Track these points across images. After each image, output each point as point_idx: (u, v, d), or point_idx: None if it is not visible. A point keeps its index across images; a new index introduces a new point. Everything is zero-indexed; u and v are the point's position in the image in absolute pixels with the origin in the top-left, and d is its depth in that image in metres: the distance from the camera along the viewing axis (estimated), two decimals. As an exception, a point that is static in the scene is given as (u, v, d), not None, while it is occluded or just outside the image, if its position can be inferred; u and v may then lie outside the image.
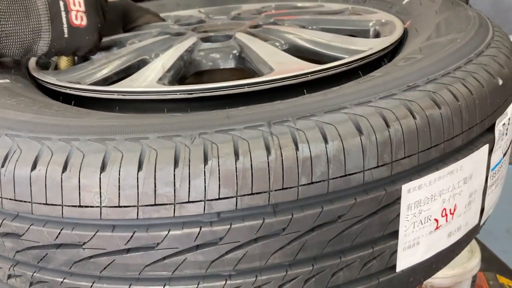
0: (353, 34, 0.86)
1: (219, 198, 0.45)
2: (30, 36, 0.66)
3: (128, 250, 0.48)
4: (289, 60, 0.66)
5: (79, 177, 0.46)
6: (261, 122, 0.47)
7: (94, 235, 0.48)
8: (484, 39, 0.63)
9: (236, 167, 0.44)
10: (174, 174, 0.44)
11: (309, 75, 0.60)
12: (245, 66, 0.71)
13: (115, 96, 0.61)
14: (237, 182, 0.45)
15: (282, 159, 0.45)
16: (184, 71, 0.69)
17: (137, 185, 0.45)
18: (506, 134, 0.61)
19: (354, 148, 0.46)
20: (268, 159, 0.45)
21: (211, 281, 0.49)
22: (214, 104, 0.61)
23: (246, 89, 0.59)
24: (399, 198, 0.50)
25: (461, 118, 0.52)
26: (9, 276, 0.55)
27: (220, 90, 0.59)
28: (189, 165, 0.45)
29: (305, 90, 0.57)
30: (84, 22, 0.70)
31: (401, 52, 0.70)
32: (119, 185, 0.45)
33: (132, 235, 0.47)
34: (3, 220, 0.51)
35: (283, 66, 0.63)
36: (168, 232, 0.46)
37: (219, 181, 0.45)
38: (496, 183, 0.63)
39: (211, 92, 0.59)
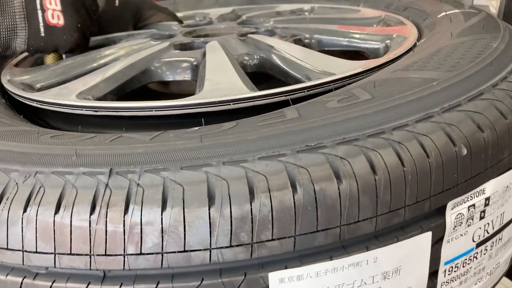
0: (361, 49, 0.73)
1: (37, 252, 0.39)
2: (5, 33, 0.66)
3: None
4: (226, 81, 0.56)
5: None
6: (104, 168, 0.39)
7: None
8: (475, 87, 0.47)
9: (54, 220, 0.38)
10: (-6, 216, 0.39)
11: (230, 103, 0.51)
12: (196, 79, 0.62)
13: (35, 104, 0.57)
14: (54, 239, 0.38)
15: (106, 221, 0.37)
16: (133, 81, 0.63)
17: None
18: (483, 217, 0.45)
19: (197, 219, 0.37)
20: (90, 217, 0.37)
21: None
22: (144, 124, 0.55)
23: (154, 112, 0.51)
24: (268, 287, 0.39)
25: (376, 197, 0.39)
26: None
27: (130, 110, 0.52)
28: (10, 208, 0.39)
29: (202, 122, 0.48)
30: (61, 22, 0.68)
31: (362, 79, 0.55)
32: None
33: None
34: None
35: (215, 87, 0.54)
36: (-5, 275, 0.42)
37: (36, 234, 0.38)
38: (466, 278, 0.47)
39: (118, 112, 0.52)
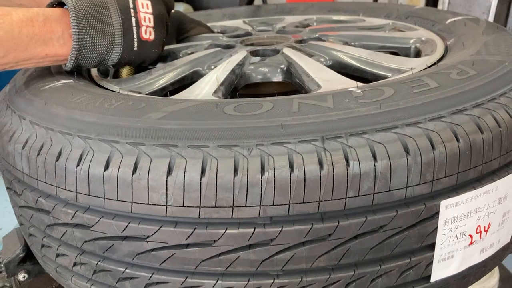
0: (394, 51, 0.90)
1: (274, 205, 0.50)
2: (104, 48, 0.72)
3: (187, 245, 0.53)
4: (334, 77, 0.70)
5: (147, 179, 0.51)
6: (315, 136, 0.51)
7: (158, 229, 0.53)
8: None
9: (290, 179, 0.49)
10: (234, 182, 0.49)
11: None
12: (292, 80, 0.75)
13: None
14: (290, 192, 0.49)
15: (333, 175, 0.49)
16: (236, 84, 0.74)
17: (200, 189, 0.50)
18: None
19: (400, 167, 0.50)
20: (320, 173, 0.49)
21: (260, 279, 0.53)
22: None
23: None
24: (437, 213, 0.54)
25: (501, 143, 0.55)
26: (75, 264, 0.61)
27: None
28: (247, 175, 0.49)
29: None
30: (152, 37, 0.75)
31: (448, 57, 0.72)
32: (184, 188, 0.50)
33: (192, 231, 0.52)
34: (76, 212, 0.57)
35: (329, 84, 0.67)
36: (225, 230, 0.51)
37: (274, 191, 0.49)
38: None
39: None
